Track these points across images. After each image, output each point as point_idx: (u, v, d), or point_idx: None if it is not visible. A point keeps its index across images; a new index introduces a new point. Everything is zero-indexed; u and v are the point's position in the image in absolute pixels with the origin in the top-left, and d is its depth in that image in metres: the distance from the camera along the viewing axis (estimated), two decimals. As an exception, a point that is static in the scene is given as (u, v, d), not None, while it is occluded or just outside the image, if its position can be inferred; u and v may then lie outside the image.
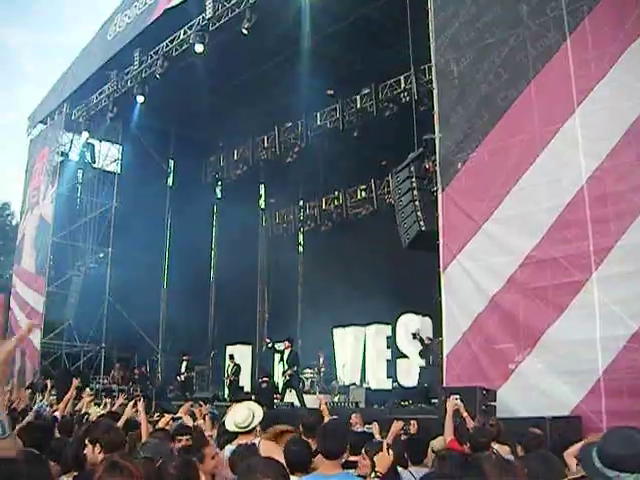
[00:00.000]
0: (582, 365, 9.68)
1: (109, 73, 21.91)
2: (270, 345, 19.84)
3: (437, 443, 5.75)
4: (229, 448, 5.80)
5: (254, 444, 5.72)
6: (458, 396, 7.29)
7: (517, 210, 10.93)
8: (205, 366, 23.45)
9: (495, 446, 5.99)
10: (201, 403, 8.66)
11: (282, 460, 5.07)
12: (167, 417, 6.92)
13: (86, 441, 4.41)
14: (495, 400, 10.22)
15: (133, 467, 3.18)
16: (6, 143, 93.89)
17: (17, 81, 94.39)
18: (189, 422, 6.07)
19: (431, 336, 16.91)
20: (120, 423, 6.92)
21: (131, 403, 7.70)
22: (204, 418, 8.15)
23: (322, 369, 19.65)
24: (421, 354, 16.94)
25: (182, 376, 19.89)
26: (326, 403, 8.43)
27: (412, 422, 8.21)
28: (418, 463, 5.66)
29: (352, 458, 5.10)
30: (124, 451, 3.97)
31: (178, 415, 7.61)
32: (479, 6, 12.21)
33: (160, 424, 6.73)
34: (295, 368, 17.38)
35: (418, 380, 16.34)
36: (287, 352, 17.70)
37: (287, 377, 17.46)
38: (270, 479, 3.03)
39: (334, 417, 7.03)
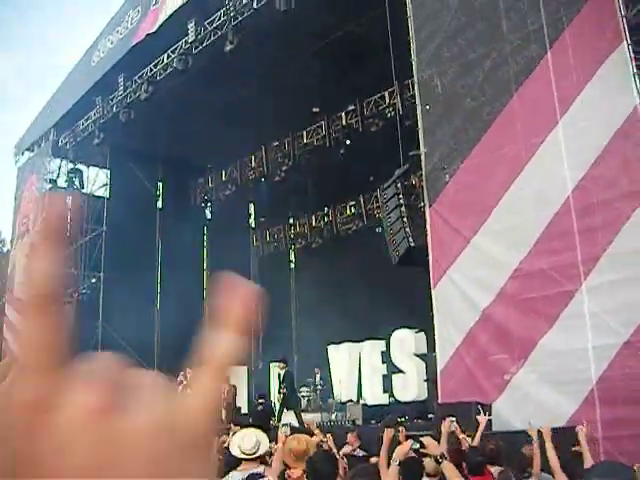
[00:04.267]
0: (575, 375, 9.70)
1: (94, 99, 21.92)
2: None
3: (428, 465, 5.65)
4: (235, 475, 5.85)
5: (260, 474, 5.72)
6: (454, 418, 7.23)
7: (504, 223, 10.98)
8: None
9: (492, 469, 5.95)
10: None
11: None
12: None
13: None
14: (491, 414, 10.20)
15: None
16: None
17: (3, 107, 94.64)
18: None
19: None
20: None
21: None
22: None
23: (318, 387, 19.57)
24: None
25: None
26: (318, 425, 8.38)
27: (400, 429, 8.19)
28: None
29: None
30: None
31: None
32: (460, 22, 12.31)
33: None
34: (290, 388, 17.36)
35: None
36: (282, 372, 17.67)
37: (282, 395, 17.40)
38: None
39: (322, 446, 6.99)
